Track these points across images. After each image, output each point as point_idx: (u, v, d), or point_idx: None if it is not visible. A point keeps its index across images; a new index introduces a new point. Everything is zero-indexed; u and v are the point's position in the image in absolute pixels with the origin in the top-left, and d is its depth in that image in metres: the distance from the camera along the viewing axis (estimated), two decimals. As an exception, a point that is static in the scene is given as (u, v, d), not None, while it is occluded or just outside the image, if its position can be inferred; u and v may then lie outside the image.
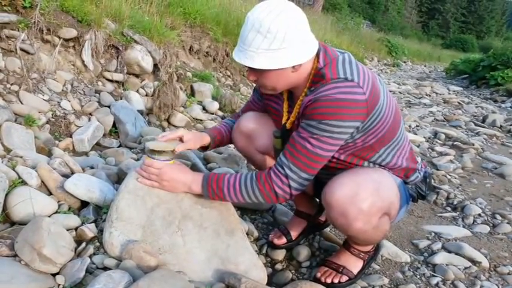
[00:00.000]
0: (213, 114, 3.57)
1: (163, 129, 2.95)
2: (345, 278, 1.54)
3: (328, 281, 1.53)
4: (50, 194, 1.61)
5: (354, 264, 1.58)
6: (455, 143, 3.84)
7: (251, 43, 1.26)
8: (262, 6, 1.26)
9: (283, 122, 1.51)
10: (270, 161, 1.71)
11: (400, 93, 7.04)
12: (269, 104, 1.63)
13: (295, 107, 1.44)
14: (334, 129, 1.27)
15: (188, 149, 1.70)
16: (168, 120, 3.13)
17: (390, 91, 7.43)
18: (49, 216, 1.48)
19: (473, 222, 2.23)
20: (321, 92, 1.28)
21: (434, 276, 1.68)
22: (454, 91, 8.01)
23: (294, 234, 1.80)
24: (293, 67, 1.31)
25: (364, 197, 1.29)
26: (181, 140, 1.60)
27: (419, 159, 3.16)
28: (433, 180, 2.81)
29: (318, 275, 1.57)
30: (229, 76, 4.71)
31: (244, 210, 2.01)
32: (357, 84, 1.27)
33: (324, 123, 1.26)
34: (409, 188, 1.55)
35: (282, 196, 1.36)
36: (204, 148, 1.71)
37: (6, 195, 1.47)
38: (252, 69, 1.35)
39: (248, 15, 1.28)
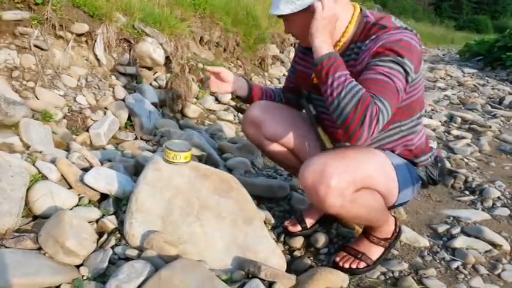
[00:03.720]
0: (225, 104, 3.57)
1: (177, 121, 2.97)
2: (362, 264, 1.55)
3: (346, 266, 1.54)
4: (70, 187, 1.64)
5: (374, 252, 1.59)
6: (472, 126, 3.78)
7: None
8: None
9: (312, 77, 1.58)
10: (280, 148, 1.74)
11: (414, 77, 6.94)
12: (299, 69, 1.72)
13: None
14: (406, 67, 1.29)
15: (230, 91, 1.78)
16: (181, 111, 3.15)
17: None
18: (70, 210, 1.50)
19: (492, 206, 2.20)
20: (389, 35, 1.34)
21: (454, 260, 1.67)
22: (468, 73, 7.87)
23: (309, 222, 1.81)
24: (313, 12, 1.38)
25: (330, 173, 1.28)
26: (221, 79, 1.73)
27: (432, 144, 3.14)
28: (449, 164, 2.78)
29: (337, 259, 1.58)
30: (240, 66, 4.70)
31: (261, 199, 2.02)
32: (415, 35, 1.37)
33: (398, 57, 1.28)
34: (418, 170, 1.56)
35: (364, 129, 1.21)
36: (238, 97, 1.82)
37: (28, 190, 1.50)
38: (284, 21, 1.51)
39: None
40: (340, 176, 1.29)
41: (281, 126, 1.70)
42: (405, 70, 1.28)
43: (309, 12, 1.38)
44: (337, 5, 1.38)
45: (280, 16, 1.48)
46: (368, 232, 1.61)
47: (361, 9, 1.48)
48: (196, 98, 3.39)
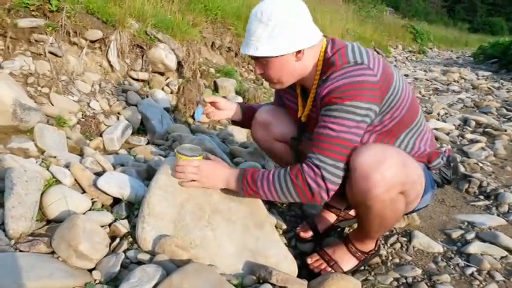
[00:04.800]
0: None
1: (189, 126, 2.99)
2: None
3: (316, 270, 1.55)
4: (84, 192, 1.66)
5: (347, 262, 1.57)
6: (487, 129, 3.73)
7: (254, 33, 1.33)
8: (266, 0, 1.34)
9: (298, 116, 1.57)
10: (288, 150, 1.74)
11: (427, 80, 6.88)
12: (285, 102, 1.70)
13: (308, 99, 1.48)
14: (356, 110, 1.27)
15: (230, 116, 1.80)
16: (193, 116, 3.16)
17: (417, 78, 7.19)
18: (83, 214, 1.52)
19: (508, 211, 2.16)
20: (334, 79, 1.30)
21: (468, 266, 1.64)
22: (483, 76, 7.76)
23: (321, 228, 1.80)
24: (296, 55, 1.35)
25: (389, 166, 1.26)
26: (218, 108, 1.73)
27: (445, 146, 3.10)
28: (463, 168, 2.74)
29: (309, 260, 1.59)
30: (251, 70, 4.71)
31: (272, 204, 2.01)
32: (367, 67, 1.29)
33: (342, 105, 1.27)
34: (432, 174, 1.55)
35: (317, 192, 1.30)
36: (234, 122, 1.85)
37: (42, 194, 1.52)
38: (258, 62, 1.41)
39: (252, 10, 1.35)
40: (397, 171, 1.27)
41: (289, 126, 1.70)
42: (355, 113, 1.27)
43: (288, 56, 1.35)
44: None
45: (255, 57, 1.38)
46: (350, 240, 1.59)
47: (326, 45, 1.41)
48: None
